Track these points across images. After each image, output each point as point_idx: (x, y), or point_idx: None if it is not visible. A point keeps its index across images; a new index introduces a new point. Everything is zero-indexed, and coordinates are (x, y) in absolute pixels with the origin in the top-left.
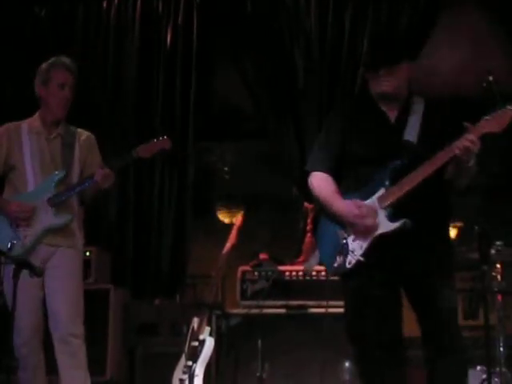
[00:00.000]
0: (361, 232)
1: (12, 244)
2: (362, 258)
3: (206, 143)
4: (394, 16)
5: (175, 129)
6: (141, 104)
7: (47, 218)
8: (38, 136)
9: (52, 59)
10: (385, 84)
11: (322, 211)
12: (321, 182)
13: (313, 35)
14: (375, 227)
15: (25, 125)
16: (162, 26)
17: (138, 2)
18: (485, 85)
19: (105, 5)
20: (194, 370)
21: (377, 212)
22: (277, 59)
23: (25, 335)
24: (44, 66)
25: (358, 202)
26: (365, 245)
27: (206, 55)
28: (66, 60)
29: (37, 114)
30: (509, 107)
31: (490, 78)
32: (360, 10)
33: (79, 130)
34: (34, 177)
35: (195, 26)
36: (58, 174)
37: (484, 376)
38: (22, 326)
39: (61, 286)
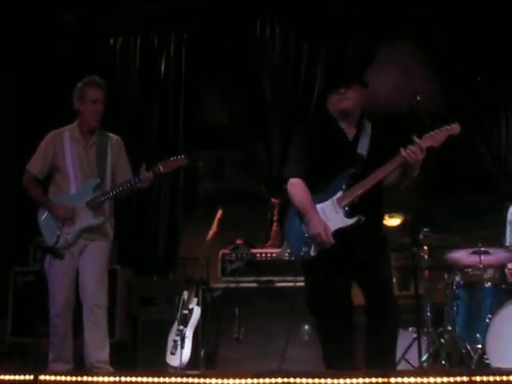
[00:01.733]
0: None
1: (57, 238)
2: (327, 247)
3: (193, 152)
4: (342, 49)
5: (168, 140)
6: (140, 120)
7: (86, 219)
8: (77, 144)
9: (85, 79)
10: (344, 102)
11: (292, 209)
12: (299, 191)
13: (276, 63)
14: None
15: (66, 132)
16: (156, 58)
17: (138, 39)
18: (414, 103)
19: (112, 41)
20: (185, 333)
21: (332, 209)
22: (248, 83)
23: (58, 307)
24: (79, 84)
25: (328, 229)
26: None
27: (193, 80)
28: (96, 79)
29: (75, 122)
30: (446, 127)
31: (418, 98)
32: (315, 44)
33: (110, 134)
34: (75, 180)
35: (183, 58)
36: (95, 181)
37: (415, 335)
38: (57, 299)
39: (90, 267)
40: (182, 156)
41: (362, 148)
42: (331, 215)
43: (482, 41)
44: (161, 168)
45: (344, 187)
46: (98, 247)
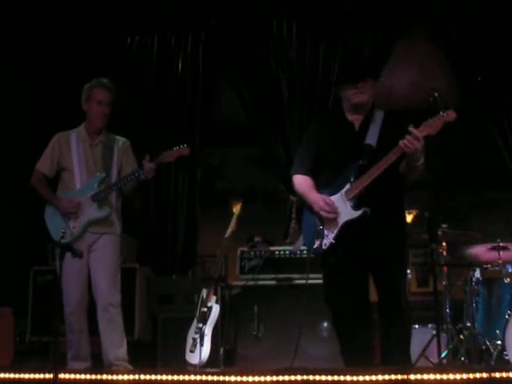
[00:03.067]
0: (325, 219)
1: (63, 233)
2: (333, 241)
3: (211, 149)
4: (359, 46)
5: (185, 138)
6: (157, 118)
7: (91, 212)
8: (84, 143)
9: (93, 80)
10: (360, 95)
11: (305, 203)
12: (300, 181)
13: (294, 61)
14: (335, 217)
15: (74, 134)
16: (174, 56)
17: (155, 37)
18: (431, 100)
19: (129, 40)
20: (204, 331)
21: (341, 202)
22: (266, 81)
23: (72, 305)
24: (86, 86)
25: (326, 197)
26: (335, 230)
27: (210, 78)
28: (103, 80)
29: (83, 124)
30: (441, 114)
31: (436, 94)
32: (331, 42)
33: (117, 136)
34: (80, 177)
35: (201, 56)
36: (100, 175)
37: (434, 332)
38: (71, 297)
39: (102, 264)
40: (184, 145)
41: (371, 138)
42: (341, 208)
43: (499, 38)
44: (162, 158)
45: (352, 179)
46: (106, 243)
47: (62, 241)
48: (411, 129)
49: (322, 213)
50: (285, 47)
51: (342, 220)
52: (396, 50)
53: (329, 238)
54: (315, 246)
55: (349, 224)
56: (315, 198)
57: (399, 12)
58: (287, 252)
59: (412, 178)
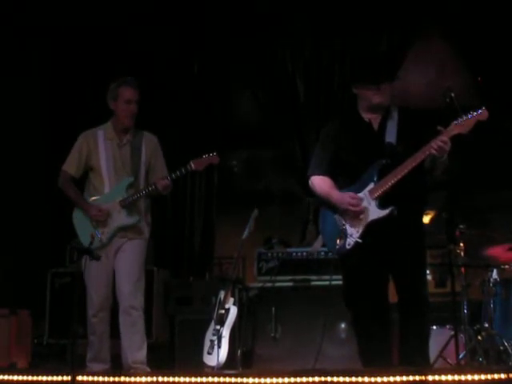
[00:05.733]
0: (353, 217)
1: (92, 239)
2: (360, 240)
3: (228, 151)
4: (375, 45)
5: (203, 140)
6: (175, 120)
7: (120, 218)
8: (112, 142)
9: (120, 79)
10: (381, 96)
11: (323, 204)
12: (320, 182)
13: (309, 61)
14: (363, 212)
15: (101, 131)
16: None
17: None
18: (448, 100)
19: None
20: (222, 333)
21: (365, 201)
22: (282, 81)
23: (96, 307)
24: (113, 85)
25: (351, 193)
26: (361, 229)
27: (227, 80)
28: (130, 79)
29: (109, 122)
30: (474, 113)
31: (452, 94)
32: (347, 40)
33: (145, 133)
34: (108, 178)
35: (216, 57)
36: (129, 180)
37: (452, 333)
38: (95, 299)
39: (126, 266)
40: (214, 154)
41: (390, 136)
42: (364, 207)
43: None
44: (192, 165)
45: (375, 179)
46: (133, 246)
47: (91, 246)
48: (442, 129)
49: (350, 208)
50: (300, 47)
51: (368, 219)
52: (412, 49)
53: (353, 237)
54: (338, 246)
55: (374, 223)
56: (340, 195)
57: (415, 11)
58: (304, 253)
59: (437, 173)
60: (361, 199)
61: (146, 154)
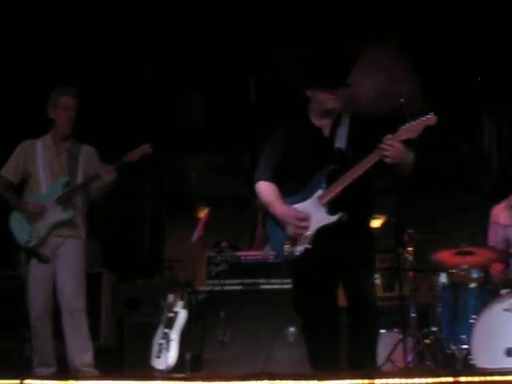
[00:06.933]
0: (293, 231)
1: (30, 236)
2: (309, 246)
3: (179, 155)
4: (327, 51)
5: (152, 144)
6: (125, 124)
7: (56, 214)
8: (50, 150)
9: (60, 88)
10: (335, 101)
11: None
12: (265, 189)
13: (260, 65)
14: (307, 228)
15: (40, 142)
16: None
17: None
18: (397, 105)
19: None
20: (170, 336)
21: (313, 208)
22: (232, 86)
23: (37, 310)
24: (53, 94)
25: (296, 211)
26: (310, 235)
27: (177, 84)
28: (69, 88)
29: (49, 133)
30: (422, 118)
31: (402, 100)
32: (298, 43)
33: (83, 145)
34: (45, 182)
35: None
36: (65, 178)
37: (400, 336)
38: (36, 302)
39: (67, 269)
40: (146, 145)
41: (340, 142)
42: (313, 214)
43: (466, 46)
44: (128, 157)
45: (324, 185)
46: (71, 247)
47: (29, 244)
48: (388, 136)
49: (292, 230)
50: (251, 49)
51: (317, 225)
52: (363, 55)
53: (303, 243)
54: (286, 252)
55: (324, 229)
56: (284, 211)
57: (365, 17)
58: (253, 257)
59: (404, 170)
60: (307, 216)
61: (83, 163)
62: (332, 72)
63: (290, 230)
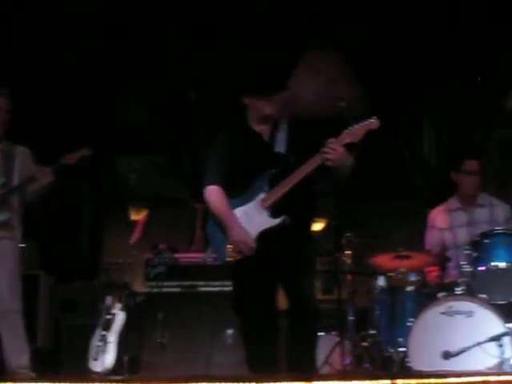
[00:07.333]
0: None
1: None
2: None
3: (117, 156)
4: (266, 54)
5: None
6: (63, 125)
7: None
8: None
9: None
10: (275, 107)
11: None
12: (215, 197)
13: (201, 70)
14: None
15: None
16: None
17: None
18: (337, 109)
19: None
20: (108, 338)
21: (256, 211)
22: (172, 88)
23: None
24: None
25: (248, 233)
26: (253, 238)
27: (116, 85)
28: (1, 89)
29: None
30: (365, 122)
31: (342, 104)
32: (237, 49)
33: (18, 146)
34: None
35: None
36: (0, 180)
37: (338, 339)
38: None
39: (1, 270)
40: (86, 148)
41: (280, 146)
42: (255, 217)
43: (407, 54)
44: (65, 160)
45: (266, 188)
46: (6, 249)
47: None
48: (331, 139)
49: (239, 246)
50: (191, 52)
51: (259, 228)
52: (304, 58)
53: None
54: (228, 255)
55: (266, 232)
56: (240, 231)
57: (309, 22)
58: (192, 259)
59: (342, 174)
60: (251, 248)
61: (19, 164)
62: (267, 79)
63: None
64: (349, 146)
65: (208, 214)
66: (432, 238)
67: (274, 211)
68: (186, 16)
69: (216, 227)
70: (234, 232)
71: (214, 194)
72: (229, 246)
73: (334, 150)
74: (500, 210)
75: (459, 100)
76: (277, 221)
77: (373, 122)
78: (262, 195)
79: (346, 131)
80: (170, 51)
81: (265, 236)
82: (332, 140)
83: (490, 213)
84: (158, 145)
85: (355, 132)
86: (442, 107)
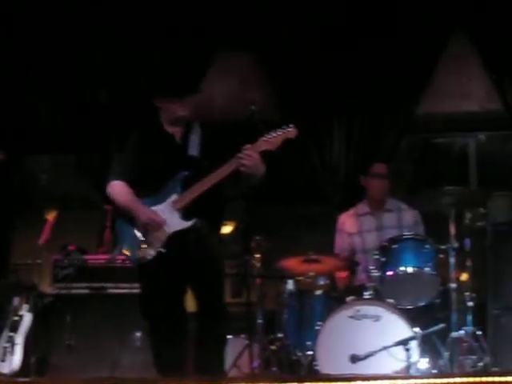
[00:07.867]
0: (152, 229)
1: None
2: (163, 250)
3: (27, 156)
4: (179, 56)
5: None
6: None
7: None
8: None
9: None
10: (186, 109)
11: (121, 214)
12: (121, 189)
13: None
14: (161, 228)
15: None
16: None
17: None
18: (249, 113)
19: None
20: (15, 340)
21: (167, 212)
22: (81, 86)
23: None
24: None
25: (153, 210)
26: (164, 239)
27: (25, 82)
28: None
29: None
30: (282, 130)
31: (253, 108)
32: (148, 49)
33: None
34: None
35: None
36: None
37: (246, 342)
38: None
39: None
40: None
41: (193, 149)
42: (167, 217)
43: (319, 52)
44: None
45: (179, 189)
46: None
47: None
48: (248, 146)
49: (149, 225)
50: (103, 52)
51: (170, 230)
52: (216, 61)
53: (156, 246)
54: (138, 256)
55: (176, 234)
56: (144, 210)
57: (222, 24)
58: (102, 261)
59: (252, 182)
60: (161, 217)
61: None
62: (177, 82)
63: (149, 232)
64: (264, 154)
65: (117, 215)
66: (341, 243)
67: (186, 213)
68: (98, 14)
69: (125, 225)
70: (140, 212)
71: (116, 187)
72: (143, 246)
73: (250, 157)
74: (408, 214)
75: (371, 100)
76: (189, 223)
77: (290, 131)
78: (174, 196)
79: (263, 138)
80: (81, 49)
81: (174, 238)
82: (248, 146)
83: (398, 218)
84: (68, 144)
85: (272, 140)
86: (353, 112)
